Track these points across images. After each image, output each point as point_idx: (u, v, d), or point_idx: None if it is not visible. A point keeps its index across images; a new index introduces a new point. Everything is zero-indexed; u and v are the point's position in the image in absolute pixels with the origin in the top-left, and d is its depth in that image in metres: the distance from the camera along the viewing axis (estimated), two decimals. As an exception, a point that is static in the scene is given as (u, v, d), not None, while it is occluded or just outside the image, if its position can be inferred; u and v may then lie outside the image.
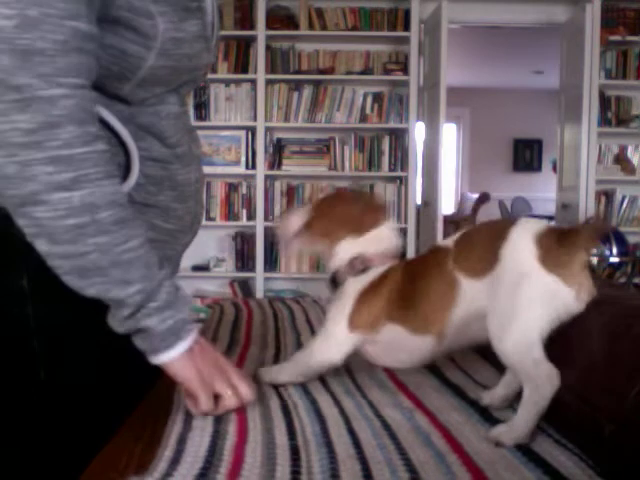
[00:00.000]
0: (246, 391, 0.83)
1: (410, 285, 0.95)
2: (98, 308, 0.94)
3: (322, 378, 0.99)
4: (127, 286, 0.75)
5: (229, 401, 0.82)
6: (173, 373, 0.80)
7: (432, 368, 1.06)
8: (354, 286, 0.98)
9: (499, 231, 0.88)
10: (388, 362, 1.00)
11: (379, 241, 1.02)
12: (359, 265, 0.99)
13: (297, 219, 1.06)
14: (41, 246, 0.73)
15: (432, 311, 0.92)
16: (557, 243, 0.83)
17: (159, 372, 1.09)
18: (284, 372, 0.99)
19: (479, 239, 0.92)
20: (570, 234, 0.83)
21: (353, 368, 1.04)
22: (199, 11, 0.88)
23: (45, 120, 0.68)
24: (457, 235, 0.95)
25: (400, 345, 0.96)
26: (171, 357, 0.79)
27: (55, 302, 0.88)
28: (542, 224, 0.88)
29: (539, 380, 0.78)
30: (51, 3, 0.68)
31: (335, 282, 1.02)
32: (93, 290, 0.76)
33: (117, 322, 0.79)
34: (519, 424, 0.77)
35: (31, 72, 0.67)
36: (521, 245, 0.84)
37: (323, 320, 1.03)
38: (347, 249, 1.01)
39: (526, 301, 0.81)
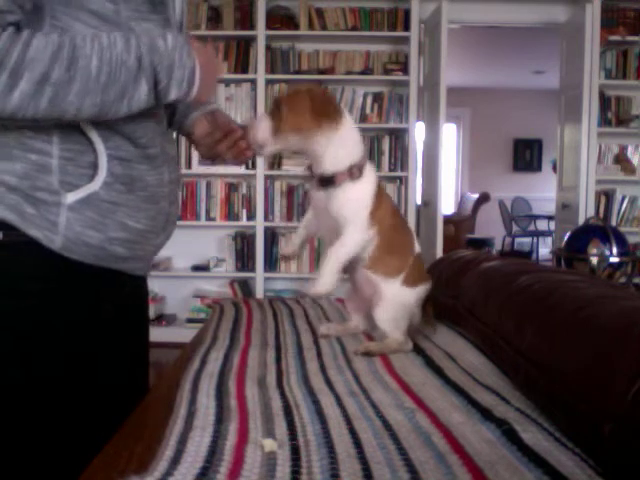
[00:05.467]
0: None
1: (395, 227, 1.23)
2: (94, 307, 0.94)
3: (327, 380, 0.99)
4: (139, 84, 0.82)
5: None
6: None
7: (435, 368, 1.06)
8: (362, 189, 1.16)
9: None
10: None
11: (355, 143, 1.18)
12: (357, 174, 1.16)
13: (265, 122, 1.13)
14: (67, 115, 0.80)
15: (397, 248, 1.24)
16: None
17: (159, 372, 1.08)
18: (325, 275, 1.15)
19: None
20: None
21: (359, 370, 1.04)
22: (161, 5, 0.92)
23: None
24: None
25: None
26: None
27: (54, 301, 0.88)
28: None
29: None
30: None
31: (327, 183, 1.16)
32: (123, 111, 0.83)
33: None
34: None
35: None
36: None
37: (345, 222, 1.17)
38: (332, 151, 1.14)
39: None
